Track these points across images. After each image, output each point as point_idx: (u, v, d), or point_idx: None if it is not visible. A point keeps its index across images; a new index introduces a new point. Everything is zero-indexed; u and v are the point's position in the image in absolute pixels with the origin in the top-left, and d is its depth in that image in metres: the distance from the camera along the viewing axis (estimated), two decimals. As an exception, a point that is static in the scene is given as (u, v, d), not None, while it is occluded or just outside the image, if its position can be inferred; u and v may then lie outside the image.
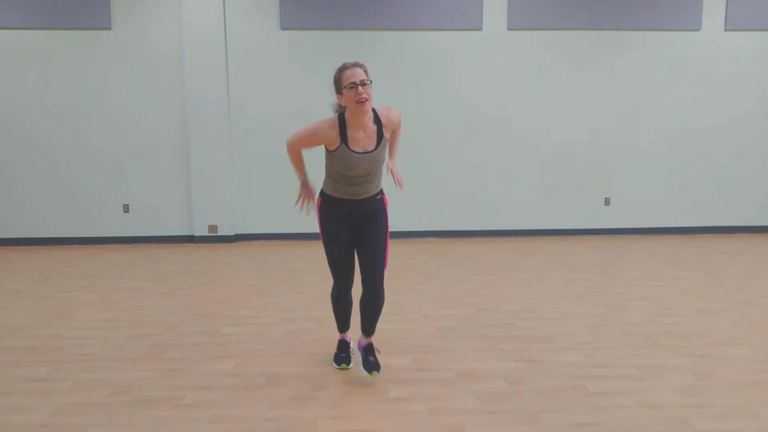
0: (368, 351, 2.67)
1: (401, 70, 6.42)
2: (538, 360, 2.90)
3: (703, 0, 6.53)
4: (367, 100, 2.32)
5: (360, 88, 2.29)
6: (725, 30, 6.60)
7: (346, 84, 2.31)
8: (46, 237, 6.48)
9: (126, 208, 6.52)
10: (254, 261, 5.47)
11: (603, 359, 2.90)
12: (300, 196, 2.64)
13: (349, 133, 2.41)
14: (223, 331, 3.38)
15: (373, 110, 2.45)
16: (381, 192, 2.64)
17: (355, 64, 2.35)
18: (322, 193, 2.61)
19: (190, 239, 6.58)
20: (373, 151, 2.43)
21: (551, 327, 3.42)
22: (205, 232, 6.50)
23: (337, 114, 2.46)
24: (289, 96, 6.45)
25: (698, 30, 6.59)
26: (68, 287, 4.49)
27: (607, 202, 6.85)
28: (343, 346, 2.88)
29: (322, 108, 6.44)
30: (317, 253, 5.87)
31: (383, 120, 2.47)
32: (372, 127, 2.44)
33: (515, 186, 6.75)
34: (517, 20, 6.44)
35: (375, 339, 2.82)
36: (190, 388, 2.59)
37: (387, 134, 2.49)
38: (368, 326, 2.68)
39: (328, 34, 6.36)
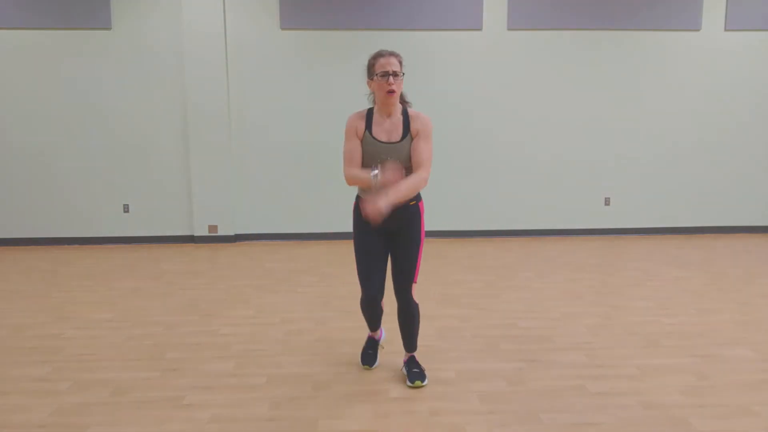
0: (411, 364, 2.64)
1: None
2: (538, 360, 2.90)
3: (703, 0, 6.53)
4: (395, 92, 2.33)
5: (391, 78, 2.30)
6: (725, 30, 6.60)
7: (379, 71, 2.32)
8: (46, 237, 6.49)
9: (126, 208, 6.52)
10: (254, 261, 5.47)
11: (603, 359, 2.90)
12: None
13: (375, 120, 2.43)
14: (223, 331, 3.38)
15: (404, 108, 2.46)
16: (416, 198, 2.52)
17: (392, 54, 2.35)
18: (357, 196, 2.57)
19: (190, 239, 6.58)
20: (397, 142, 2.40)
21: (551, 327, 3.42)
22: (205, 232, 6.50)
23: (367, 109, 2.51)
24: (289, 96, 6.45)
25: (698, 30, 6.59)
26: (68, 287, 4.49)
27: (607, 202, 6.85)
28: (372, 344, 2.88)
29: (321, 107, 6.49)
30: (317, 252, 5.87)
31: (411, 114, 2.44)
32: (398, 117, 2.42)
33: (515, 186, 6.75)
34: (517, 20, 6.45)
35: (419, 351, 2.87)
36: (190, 388, 2.59)
37: (413, 130, 2.42)
38: (407, 342, 2.67)
39: (328, 34, 6.36)
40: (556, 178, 6.77)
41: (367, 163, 2.43)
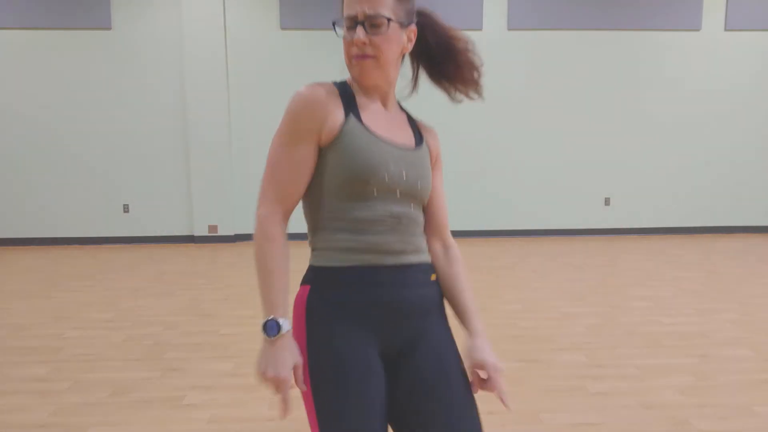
0: None
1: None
2: (538, 360, 2.89)
3: (703, 0, 6.53)
4: (368, 56, 1.07)
5: (360, 30, 1.05)
6: (725, 30, 6.60)
7: (345, 15, 1.08)
8: (46, 237, 6.49)
9: (126, 208, 6.52)
10: (254, 261, 5.46)
11: (603, 359, 2.90)
12: (272, 383, 0.98)
13: (360, 101, 1.12)
14: (223, 331, 3.38)
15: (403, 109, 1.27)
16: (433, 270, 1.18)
17: None
18: (309, 275, 1.13)
19: (190, 239, 6.58)
20: (413, 149, 1.13)
21: (551, 327, 3.42)
22: (205, 232, 6.50)
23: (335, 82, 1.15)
24: (288, 96, 6.45)
25: (698, 30, 6.59)
26: (68, 287, 4.49)
27: (607, 202, 6.85)
28: None
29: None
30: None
31: (417, 120, 1.28)
32: (400, 114, 1.22)
33: (515, 186, 6.75)
34: (517, 20, 6.44)
35: None
36: (190, 388, 2.58)
37: (432, 147, 1.23)
38: None
39: (328, 34, 6.36)
40: (557, 178, 6.76)
41: (349, 180, 1.04)
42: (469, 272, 4.88)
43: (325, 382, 1.00)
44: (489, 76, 6.56)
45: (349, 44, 1.08)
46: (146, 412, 2.35)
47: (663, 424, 2.22)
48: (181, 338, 3.26)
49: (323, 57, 6.37)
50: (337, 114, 1.06)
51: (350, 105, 1.09)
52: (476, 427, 1.05)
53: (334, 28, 1.12)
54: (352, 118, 1.07)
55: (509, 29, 6.47)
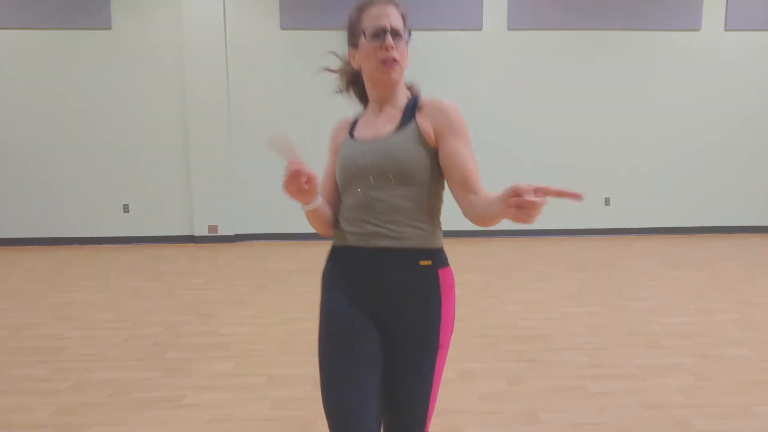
0: None
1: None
2: (538, 360, 2.89)
3: (703, 0, 6.53)
4: (396, 61, 1.29)
5: (389, 37, 1.27)
6: (725, 30, 6.60)
7: (369, 28, 1.29)
8: (46, 237, 6.49)
9: (126, 208, 6.52)
10: (254, 261, 5.47)
11: (603, 359, 2.90)
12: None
13: (364, 118, 1.42)
14: (223, 331, 3.38)
15: (414, 97, 1.39)
16: (434, 255, 1.33)
17: (389, 1, 1.32)
18: (332, 250, 1.39)
19: (190, 239, 6.58)
20: (384, 138, 1.30)
21: (551, 327, 3.42)
22: (205, 232, 6.50)
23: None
24: (288, 95, 6.45)
25: (698, 30, 6.59)
26: (68, 287, 4.49)
27: (607, 202, 6.85)
28: None
29: (321, 107, 6.48)
30: (317, 252, 5.87)
31: (423, 103, 1.35)
32: (399, 107, 1.36)
33: (515, 186, 6.75)
34: (517, 20, 6.45)
35: None
36: (190, 388, 2.58)
37: (425, 124, 1.31)
38: None
39: (328, 34, 6.36)
40: (556, 178, 6.76)
41: (342, 185, 1.35)
42: (469, 272, 4.89)
43: (320, 342, 1.29)
44: (488, 76, 6.56)
45: (376, 50, 1.29)
46: (146, 412, 2.35)
47: (663, 424, 2.22)
48: (181, 338, 3.26)
49: (323, 57, 6.36)
50: (343, 135, 1.42)
51: (354, 125, 1.42)
52: (416, 408, 1.28)
53: (364, 36, 1.31)
54: (348, 135, 1.39)
55: (509, 29, 6.48)
